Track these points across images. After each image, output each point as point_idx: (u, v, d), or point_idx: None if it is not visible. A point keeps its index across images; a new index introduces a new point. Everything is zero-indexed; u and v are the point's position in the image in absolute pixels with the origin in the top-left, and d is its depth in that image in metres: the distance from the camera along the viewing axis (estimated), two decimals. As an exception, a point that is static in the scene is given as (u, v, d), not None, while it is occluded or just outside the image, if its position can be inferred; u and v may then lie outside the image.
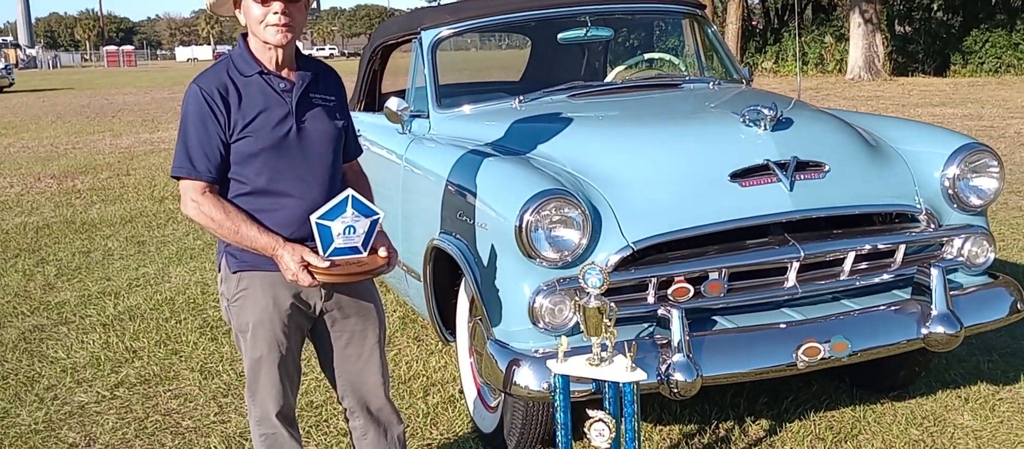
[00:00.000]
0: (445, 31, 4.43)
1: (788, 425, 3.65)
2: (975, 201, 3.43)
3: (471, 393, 3.79)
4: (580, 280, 2.75)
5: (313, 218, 2.53)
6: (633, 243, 3.07)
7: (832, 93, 21.30)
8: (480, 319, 3.29)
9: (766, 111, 3.24)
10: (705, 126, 3.53)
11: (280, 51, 2.60)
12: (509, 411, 3.37)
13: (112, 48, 79.00)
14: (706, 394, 3.80)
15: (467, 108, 4.31)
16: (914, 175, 3.45)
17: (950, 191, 3.41)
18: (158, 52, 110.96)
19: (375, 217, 2.62)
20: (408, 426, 3.76)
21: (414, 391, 4.11)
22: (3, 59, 44.67)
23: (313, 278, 2.54)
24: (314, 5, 2.78)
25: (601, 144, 3.46)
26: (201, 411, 3.95)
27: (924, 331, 3.20)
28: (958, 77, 25.68)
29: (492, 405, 3.59)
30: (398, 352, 4.62)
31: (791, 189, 3.18)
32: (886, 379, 3.88)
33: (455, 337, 3.84)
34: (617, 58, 5.60)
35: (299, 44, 2.76)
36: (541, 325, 3.05)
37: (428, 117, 4.27)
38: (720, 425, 3.67)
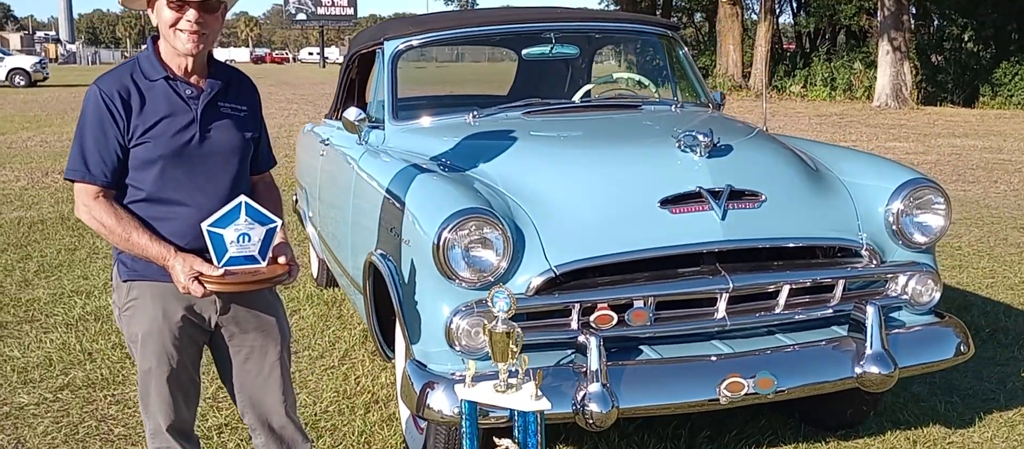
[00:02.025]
0: (406, 43, 4.38)
1: (725, 460, 3.55)
2: (919, 238, 3.32)
3: (405, 413, 3.72)
4: (488, 303, 2.68)
5: (204, 225, 2.48)
6: (556, 267, 3.00)
7: (856, 120, 21.03)
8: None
9: (701, 137, 3.16)
10: (639, 150, 3.46)
11: (191, 58, 2.56)
12: (433, 434, 3.30)
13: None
14: (647, 424, 3.72)
15: (425, 121, 4.26)
16: (858, 209, 3.35)
17: (894, 227, 3.30)
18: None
19: (272, 225, 2.57)
20: (336, 444, 3.71)
21: (356, 407, 4.05)
22: (41, 53, 45.44)
23: (204, 288, 2.50)
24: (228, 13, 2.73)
25: (535, 164, 3.40)
26: (137, 419, 3.91)
27: (858, 370, 3.09)
28: (986, 108, 25.28)
29: (421, 426, 3.52)
30: (351, 366, 4.57)
31: (723, 218, 3.09)
32: (833, 417, 3.76)
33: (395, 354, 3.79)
34: (601, 75, 5.53)
35: (217, 51, 2.72)
36: (458, 347, 2.98)
37: (384, 128, 4.23)
38: (656, 457, 3.58)
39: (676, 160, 3.19)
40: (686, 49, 4.79)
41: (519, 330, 2.67)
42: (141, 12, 2.69)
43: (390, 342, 3.79)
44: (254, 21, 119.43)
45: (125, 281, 2.64)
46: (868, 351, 3.09)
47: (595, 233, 3.07)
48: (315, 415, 3.96)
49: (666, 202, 3.10)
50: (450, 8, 46.80)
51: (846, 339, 3.19)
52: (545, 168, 3.34)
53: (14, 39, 75.48)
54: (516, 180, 3.28)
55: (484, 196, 3.12)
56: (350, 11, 65.10)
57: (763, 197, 3.19)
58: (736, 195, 3.15)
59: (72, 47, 76.68)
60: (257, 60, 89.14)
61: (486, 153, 3.54)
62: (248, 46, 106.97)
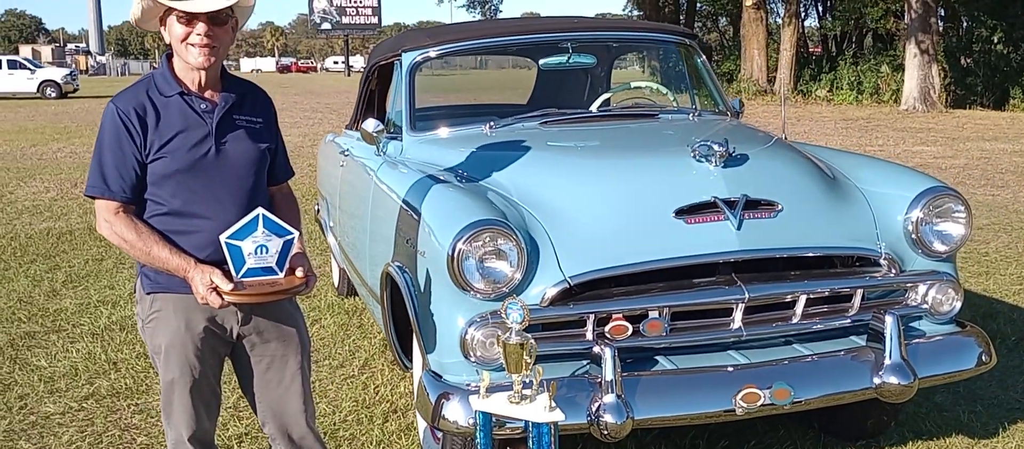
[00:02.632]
0: (423, 55, 4.40)
1: (743, 471, 3.53)
2: (939, 247, 3.28)
3: (423, 423, 3.73)
4: (502, 315, 2.69)
5: (222, 238, 2.51)
6: (570, 278, 3.00)
7: (883, 123, 20.83)
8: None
9: (716, 147, 3.15)
10: (654, 159, 3.45)
11: (203, 72, 2.60)
12: (449, 443, 3.31)
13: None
14: (664, 435, 3.71)
15: (443, 131, 4.28)
16: (876, 218, 3.32)
17: (913, 236, 3.27)
18: (224, 63, 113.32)
19: (289, 237, 2.60)
20: (355, 452, 3.73)
21: (375, 417, 4.07)
22: (71, 65, 46.04)
23: (222, 300, 2.53)
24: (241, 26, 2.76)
25: (550, 174, 3.40)
26: (159, 428, 3.94)
27: (876, 380, 3.07)
28: (1017, 111, 24.93)
29: (438, 436, 3.53)
30: (371, 375, 4.59)
31: (739, 228, 3.08)
32: (853, 427, 3.73)
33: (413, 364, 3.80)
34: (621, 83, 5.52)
35: (226, 63, 2.75)
36: (473, 358, 2.99)
37: (402, 139, 4.26)
38: (673, 467, 3.56)
39: (691, 170, 3.18)
40: (704, 57, 4.78)
41: (533, 341, 2.67)
42: (155, 32, 2.73)
43: (408, 352, 3.80)
44: (280, 31, 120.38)
45: (148, 293, 2.68)
46: (887, 362, 3.07)
47: (609, 244, 3.07)
48: (334, 424, 3.98)
49: (681, 212, 3.09)
50: (473, 16, 46.94)
51: (865, 349, 3.16)
52: (560, 178, 3.35)
53: (45, 51, 76.68)
54: (531, 191, 3.29)
55: (499, 207, 3.13)
56: (374, 20, 65.48)
57: (779, 206, 3.17)
58: (752, 205, 3.14)
59: (102, 59, 77.70)
60: (283, 69, 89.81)
61: (502, 163, 3.55)
62: (274, 55, 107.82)
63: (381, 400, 4.27)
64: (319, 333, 5.28)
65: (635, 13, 52.10)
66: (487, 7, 50.04)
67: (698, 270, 3.13)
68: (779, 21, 36.48)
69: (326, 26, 66.48)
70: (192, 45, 2.55)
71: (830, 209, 3.30)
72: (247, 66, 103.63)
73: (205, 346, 2.68)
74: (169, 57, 2.66)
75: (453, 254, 2.93)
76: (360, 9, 66.04)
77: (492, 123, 4.12)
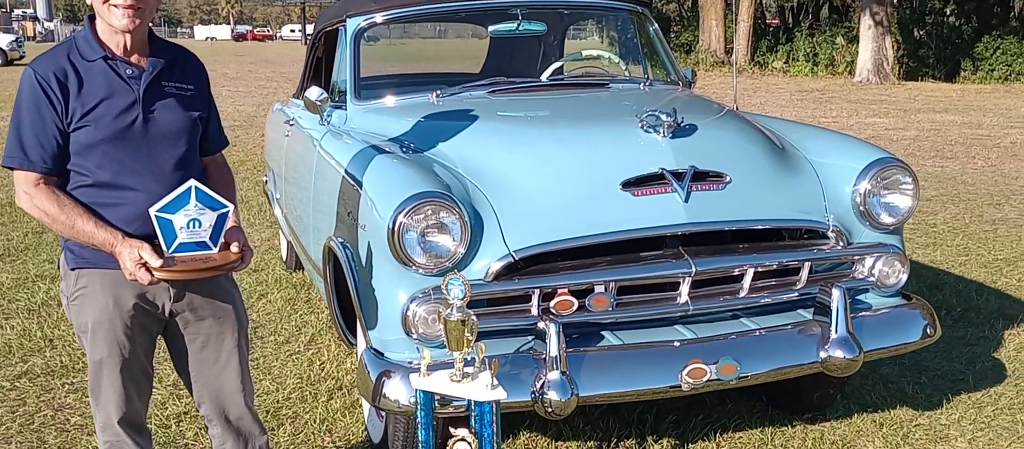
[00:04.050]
0: (368, 20, 4.28)
1: (690, 446, 3.50)
2: (887, 219, 3.27)
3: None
4: (442, 290, 2.61)
5: (152, 211, 2.40)
6: (515, 252, 2.93)
7: (837, 95, 21.01)
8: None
9: (664, 117, 3.09)
10: (601, 130, 3.37)
11: (128, 35, 2.46)
12: (392, 422, 3.24)
13: (128, 24, 78.91)
14: (612, 410, 3.68)
15: (389, 100, 4.17)
16: (825, 189, 3.29)
17: (861, 207, 3.25)
18: (178, 30, 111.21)
19: (223, 210, 2.49)
20: (297, 433, 3.65)
21: (319, 394, 3.98)
22: (18, 31, 44.80)
23: (152, 276, 2.41)
24: None
25: (496, 145, 3.32)
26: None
27: (823, 354, 3.05)
28: (968, 83, 25.32)
29: (382, 415, 3.46)
30: (317, 352, 4.50)
31: (686, 200, 3.02)
32: (801, 401, 3.73)
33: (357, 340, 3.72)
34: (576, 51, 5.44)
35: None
36: (415, 335, 2.91)
37: (346, 108, 4.14)
38: (621, 443, 3.53)
39: (639, 141, 3.12)
40: (656, 25, 4.71)
41: (474, 318, 2.60)
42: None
43: (353, 328, 3.71)
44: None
45: (73, 269, 2.55)
46: (833, 335, 3.05)
47: (555, 217, 3.00)
48: (277, 402, 3.89)
49: (628, 184, 3.03)
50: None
51: (811, 323, 3.14)
52: (505, 149, 3.26)
53: (-10, 17, 74.41)
54: (476, 162, 3.21)
55: (442, 179, 3.04)
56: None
57: (727, 178, 3.13)
58: (700, 176, 3.09)
59: (50, 25, 75.60)
60: (239, 38, 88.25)
61: (447, 134, 3.46)
62: (230, 23, 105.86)
63: (327, 376, 4.18)
64: (266, 308, 5.17)
65: (594, -17, 51.93)
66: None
67: (645, 243, 3.07)
68: (737, -8, 36.58)
69: (282, -7, 65.22)
70: (115, 6, 2.40)
71: (779, 181, 3.26)
72: (201, 33, 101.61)
73: (135, 324, 2.56)
74: (92, 19, 2.51)
75: (394, 227, 2.84)
76: (317, -24, 64.90)
77: (439, 92, 4.02)
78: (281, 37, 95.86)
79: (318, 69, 5.44)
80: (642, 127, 3.12)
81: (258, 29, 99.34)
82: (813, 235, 3.29)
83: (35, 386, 4.04)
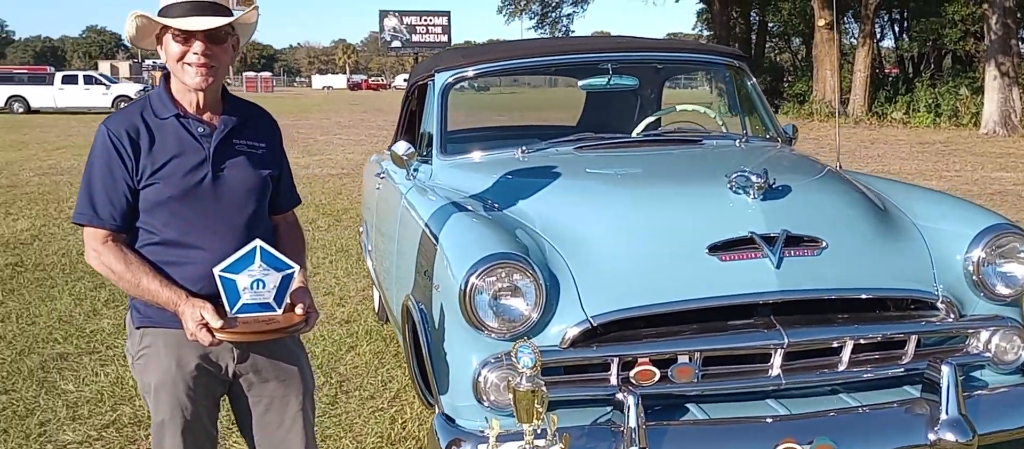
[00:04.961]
0: (456, 75, 4.25)
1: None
2: (1003, 290, 2.99)
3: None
4: (512, 358, 2.49)
5: (216, 270, 2.36)
6: (593, 318, 2.79)
7: (961, 147, 20.03)
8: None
9: (755, 178, 2.91)
10: (687, 190, 3.22)
11: (201, 94, 2.46)
12: (463, 490, 3.11)
13: (251, 74, 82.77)
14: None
15: (475, 155, 4.11)
16: (934, 257, 3.04)
17: (975, 277, 2.98)
18: (296, 80, 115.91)
19: (288, 271, 2.44)
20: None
21: (397, 453, 3.89)
22: (147, 81, 47.32)
23: (213, 336, 2.37)
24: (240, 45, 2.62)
25: (577, 204, 3.20)
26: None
27: (931, 436, 2.78)
28: (1105, 136, 23.78)
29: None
30: (400, 409, 4.42)
31: (778, 266, 2.83)
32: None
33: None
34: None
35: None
36: (487, 402, 2.80)
37: (432, 163, 4.10)
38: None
39: (727, 202, 2.94)
40: (754, 80, 4.52)
41: (544, 388, 2.47)
42: (150, 51, 2.60)
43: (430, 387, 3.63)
44: (352, 48, 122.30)
45: (138, 328, 2.54)
46: (943, 416, 2.78)
47: (637, 281, 2.85)
48: (354, 461, 3.82)
49: (715, 248, 2.86)
50: (541, 34, 46.93)
51: (919, 401, 2.87)
52: (586, 209, 3.14)
53: (123, 67, 79.06)
54: (556, 222, 3.09)
55: (520, 240, 2.93)
56: (444, 38, 65.94)
57: (824, 243, 2.92)
58: (793, 241, 2.89)
59: (178, 75, 79.79)
60: (354, 87, 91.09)
61: (529, 191, 3.37)
62: (346, 73, 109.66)
63: (408, 436, 4.08)
64: (354, 361, 5.14)
65: (704, 33, 51.50)
66: (557, 27, 49.89)
67: (733, 311, 2.88)
68: (854, 42, 35.62)
69: (396, 44, 67.17)
70: (189, 65, 2.40)
71: (881, 247, 3.03)
72: (318, 83, 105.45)
73: (198, 385, 2.52)
74: (167, 77, 2.53)
75: (466, 288, 2.74)
76: (430, 28, 66.63)
77: (525, 148, 3.94)
78: (395, 86, 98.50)
79: (411, 122, 5.45)
80: (731, 188, 2.95)
81: (372, 78, 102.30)
82: (921, 306, 3.03)
83: (121, 436, 4.09)
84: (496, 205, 3.37)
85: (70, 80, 36.55)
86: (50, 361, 5.13)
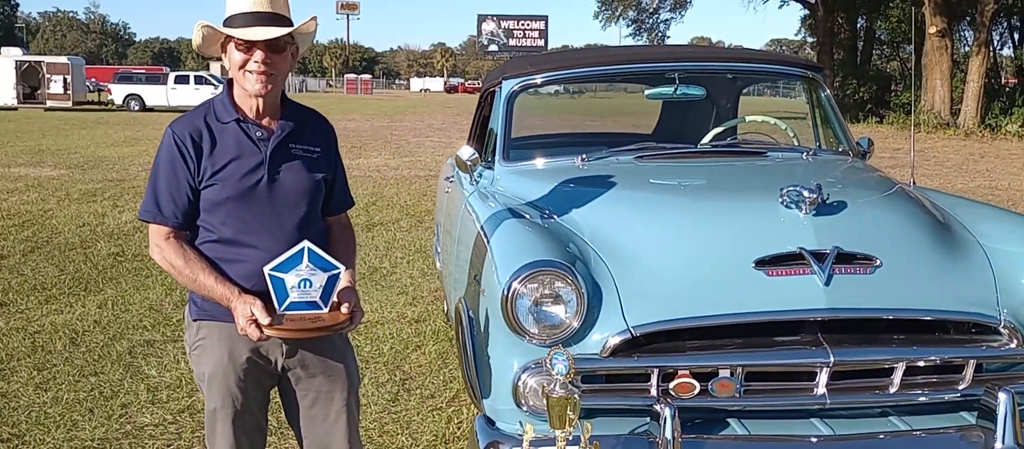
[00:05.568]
0: (522, 83, 4.29)
1: None
2: (1072, 317, 2.84)
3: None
4: (546, 365, 2.52)
5: (266, 269, 2.46)
6: (634, 328, 2.78)
7: (1075, 163, 19.03)
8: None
9: (806, 193, 2.85)
10: (736, 204, 3.17)
11: (261, 99, 2.57)
12: (503, 492, 3.14)
13: (352, 76, 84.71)
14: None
15: (537, 162, 4.14)
16: (998, 279, 2.92)
17: (1042, 302, 2.85)
18: (395, 82, 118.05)
19: (334, 272, 2.52)
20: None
21: (451, 453, 3.96)
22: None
23: (261, 332, 2.48)
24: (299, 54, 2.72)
25: (626, 214, 3.20)
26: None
27: (984, 466, 2.68)
28: None
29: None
30: (457, 409, 4.49)
31: (827, 283, 2.77)
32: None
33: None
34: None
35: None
36: (526, 407, 2.82)
37: (494, 169, 4.15)
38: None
39: (777, 217, 2.90)
40: (828, 91, 4.42)
41: (577, 396, 2.49)
42: (215, 58, 2.72)
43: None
44: (450, 52, 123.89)
45: (195, 320, 2.67)
46: (998, 445, 2.67)
47: (680, 293, 2.83)
48: (407, 459, 3.90)
49: (762, 263, 2.82)
50: (639, 41, 46.63)
51: (974, 428, 2.77)
52: (635, 220, 3.13)
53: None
54: (605, 230, 3.10)
55: (566, 248, 2.95)
56: (540, 43, 66.27)
57: (877, 262, 2.84)
58: (845, 258, 2.82)
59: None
60: (450, 90, 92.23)
61: (583, 200, 3.38)
62: (444, 76, 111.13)
63: (462, 436, 4.15)
64: (418, 360, 5.24)
65: (808, 40, 50.22)
66: (654, 33, 49.54)
67: (779, 328, 2.84)
68: (968, 50, 34.19)
69: (493, 48, 67.84)
70: (250, 72, 2.52)
71: (941, 267, 2.93)
72: (416, 85, 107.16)
73: (248, 377, 2.64)
74: (230, 83, 2.65)
75: (508, 293, 2.78)
76: (527, 32, 67.06)
77: (585, 155, 3.94)
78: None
79: (483, 128, 5.52)
80: (782, 202, 2.91)
81: (469, 81, 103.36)
82: (982, 330, 2.92)
83: (193, 422, 4.27)
84: (549, 212, 3.40)
85: (182, 80, 38.17)
86: (137, 347, 5.39)
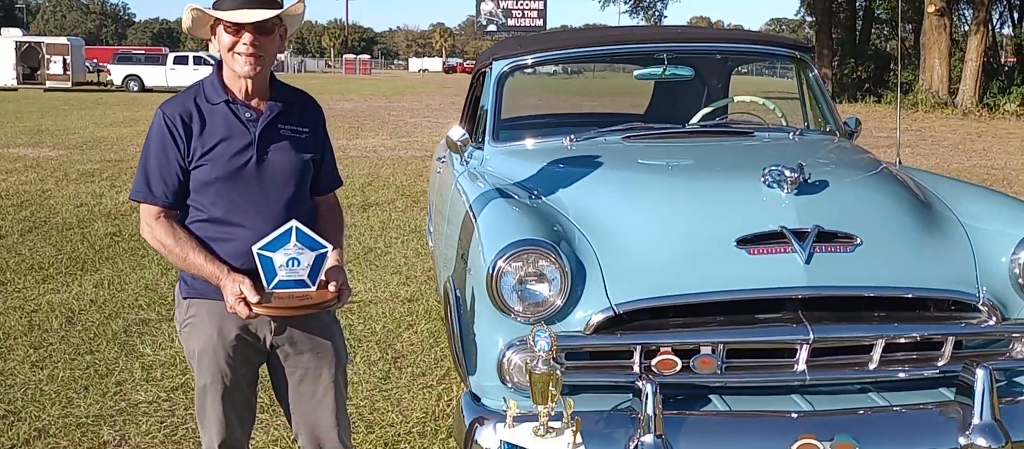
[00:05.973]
0: (512, 64, 4.31)
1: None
2: (1049, 294, 2.89)
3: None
4: (528, 341, 2.56)
5: (255, 248, 2.50)
6: (616, 305, 2.83)
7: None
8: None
9: (788, 172, 2.89)
10: (718, 183, 3.20)
11: (250, 81, 2.60)
12: (493, 467, 3.19)
13: (350, 56, 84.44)
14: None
15: (526, 142, 4.17)
16: (977, 257, 2.96)
17: (1021, 280, 2.89)
18: (394, 62, 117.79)
19: (321, 251, 2.56)
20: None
21: (439, 431, 4.00)
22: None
23: (250, 310, 2.51)
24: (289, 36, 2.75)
25: (609, 193, 3.23)
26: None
27: (962, 441, 2.72)
28: None
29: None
30: (448, 387, 4.53)
31: (808, 261, 2.81)
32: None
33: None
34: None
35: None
36: (511, 384, 2.87)
37: (484, 149, 4.18)
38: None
39: (759, 196, 2.93)
40: (816, 72, 4.44)
41: (559, 373, 2.53)
42: (205, 39, 2.74)
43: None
44: (448, 32, 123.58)
45: (185, 298, 2.71)
46: (976, 421, 2.72)
47: (662, 271, 2.87)
48: (398, 436, 3.94)
49: (744, 241, 2.86)
50: (636, 21, 46.52)
51: (951, 404, 2.82)
52: (619, 199, 3.17)
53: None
54: (588, 210, 3.13)
55: (552, 227, 2.99)
56: (539, 22, 66.01)
57: (858, 240, 2.88)
58: (826, 237, 2.86)
59: (281, 56, 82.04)
60: (449, 70, 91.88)
61: (569, 180, 3.41)
62: (442, 56, 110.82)
63: (451, 413, 4.19)
64: (410, 339, 5.28)
65: (807, 19, 50.04)
66: (651, 12, 49.41)
67: (760, 305, 2.88)
68: (966, 29, 34.10)
69: (492, 28, 67.56)
70: (238, 54, 2.55)
71: (921, 245, 2.97)
72: (415, 65, 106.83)
73: (237, 354, 2.68)
74: (219, 65, 2.68)
75: (493, 272, 2.82)
76: (526, 12, 66.76)
77: (573, 136, 3.97)
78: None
79: (475, 108, 5.54)
80: (764, 181, 2.94)
81: (468, 62, 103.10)
82: (962, 307, 2.96)
83: (186, 399, 4.31)
84: (537, 191, 3.43)
85: (181, 61, 38.09)
86: (133, 325, 5.44)
